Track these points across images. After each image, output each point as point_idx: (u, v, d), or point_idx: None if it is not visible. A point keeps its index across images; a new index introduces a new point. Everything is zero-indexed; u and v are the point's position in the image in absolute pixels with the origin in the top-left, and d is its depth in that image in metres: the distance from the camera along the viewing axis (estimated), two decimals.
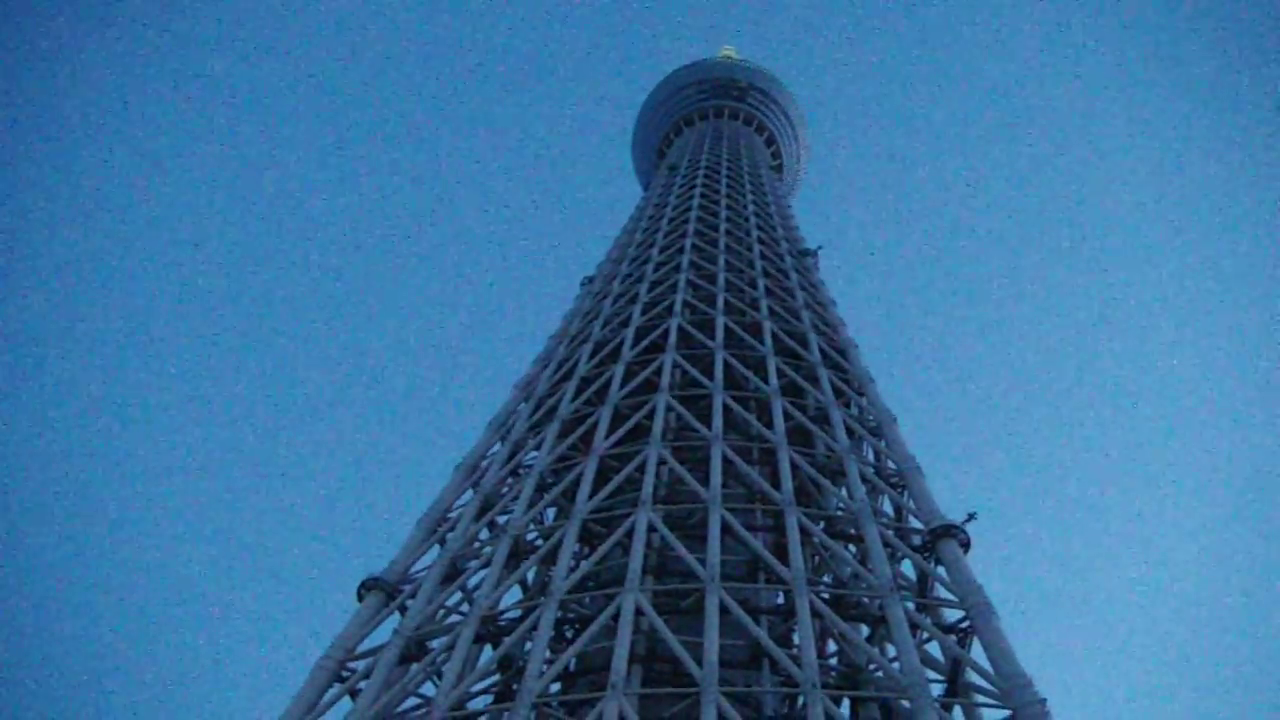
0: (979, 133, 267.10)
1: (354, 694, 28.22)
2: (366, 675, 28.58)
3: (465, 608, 31.10)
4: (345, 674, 29.40)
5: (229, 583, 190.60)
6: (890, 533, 31.59)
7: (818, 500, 34.82)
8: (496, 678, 29.72)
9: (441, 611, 31.22)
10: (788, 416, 37.13)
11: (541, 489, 35.51)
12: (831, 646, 32.25)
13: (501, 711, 25.81)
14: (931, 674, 26.97)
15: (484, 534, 34.62)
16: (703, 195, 63.26)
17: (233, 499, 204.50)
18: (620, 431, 36.25)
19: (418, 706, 28.04)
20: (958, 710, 26.37)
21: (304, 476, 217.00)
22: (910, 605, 28.40)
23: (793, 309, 46.67)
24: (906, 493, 33.94)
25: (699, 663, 24.74)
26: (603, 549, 30.66)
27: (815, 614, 27.50)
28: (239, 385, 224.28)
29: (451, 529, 34.89)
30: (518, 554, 32.65)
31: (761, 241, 55.87)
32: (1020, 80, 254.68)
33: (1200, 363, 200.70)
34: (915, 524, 32.38)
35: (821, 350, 42.77)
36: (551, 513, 35.97)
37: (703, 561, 28.62)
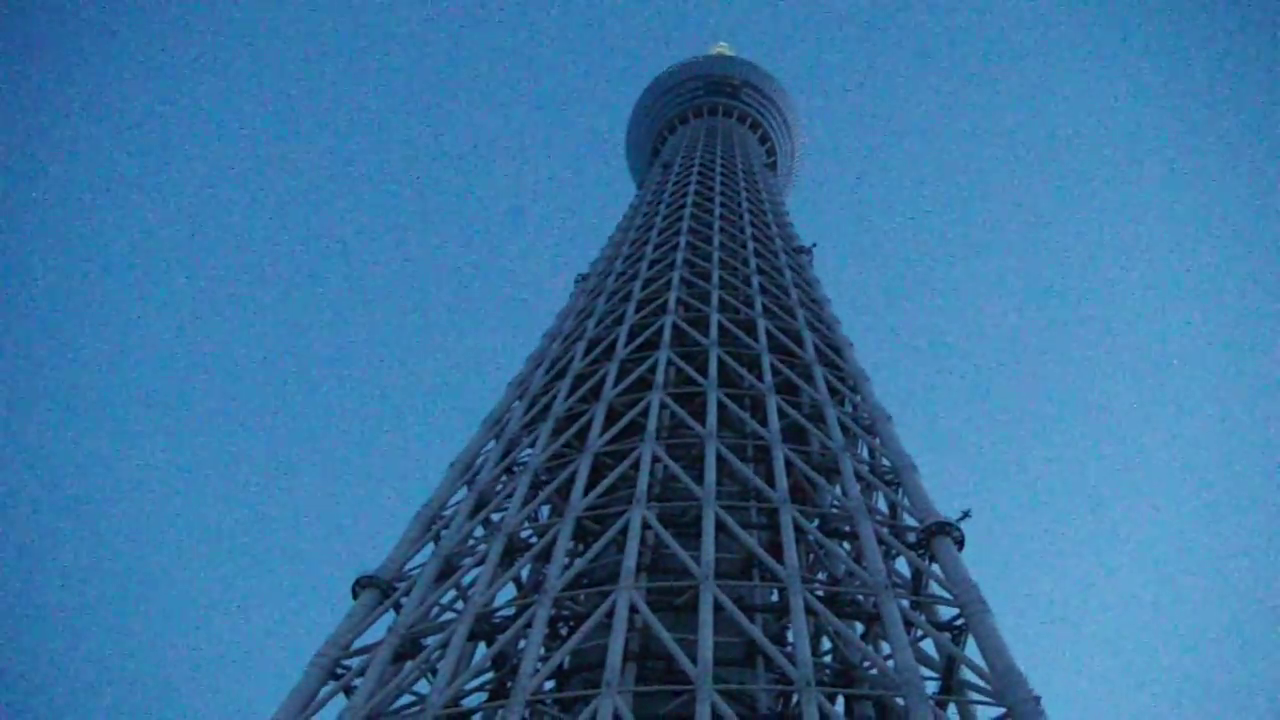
0: (975, 130, 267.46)
1: (349, 691, 28.21)
2: (361, 672, 28.55)
3: (460, 605, 31.10)
4: (340, 671, 29.40)
5: (225, 580, 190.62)
6: (885, 530, 31.60)
7: (812, 498, 34.86)
8: (491, 675, 29.73)
9: (436, 609, 31.21)
10: (782, 414, 37.12)
11: (536, 487, 35.50)
12: (826, 644, 32.29)
13: (496, 709, 25.82)
14: (926, 671, 26.97)
15: (478, 532, 34.59)
16: (697, 193, 63.21)
17: (229, 497, 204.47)
18: (615, 429, 36.24)
19: (412, 704, 28.04)
20: (952, 707, 26.39)
21: (299, 474, 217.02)
22: (905, 603, 28.40)
23: (787, 306, 46.66)
24: (901, 490, 33.95)
25: (693, 660, 24.74)
26: (597, 546, 30.65)
27: (810, 611, 27.53)
28: (235, 384, 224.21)
29: (446, 527, 34.87)
30: (512, 551, 32.64)
31: (756, 239, 55.83)
32: (1017, 77, 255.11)
33: (1197, 362, 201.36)
34: (910, 521, 32.39)
35: (816, 348, 42.76)
36: (546, 510, 35.99)
37: (697, 559, 28.61)
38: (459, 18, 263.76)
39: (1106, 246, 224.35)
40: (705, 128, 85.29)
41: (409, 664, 29.10)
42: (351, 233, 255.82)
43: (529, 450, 38.34)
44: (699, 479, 32.53)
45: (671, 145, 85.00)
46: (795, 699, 26.07)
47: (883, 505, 34.86)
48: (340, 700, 28.07)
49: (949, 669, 27.48)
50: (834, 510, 33.82)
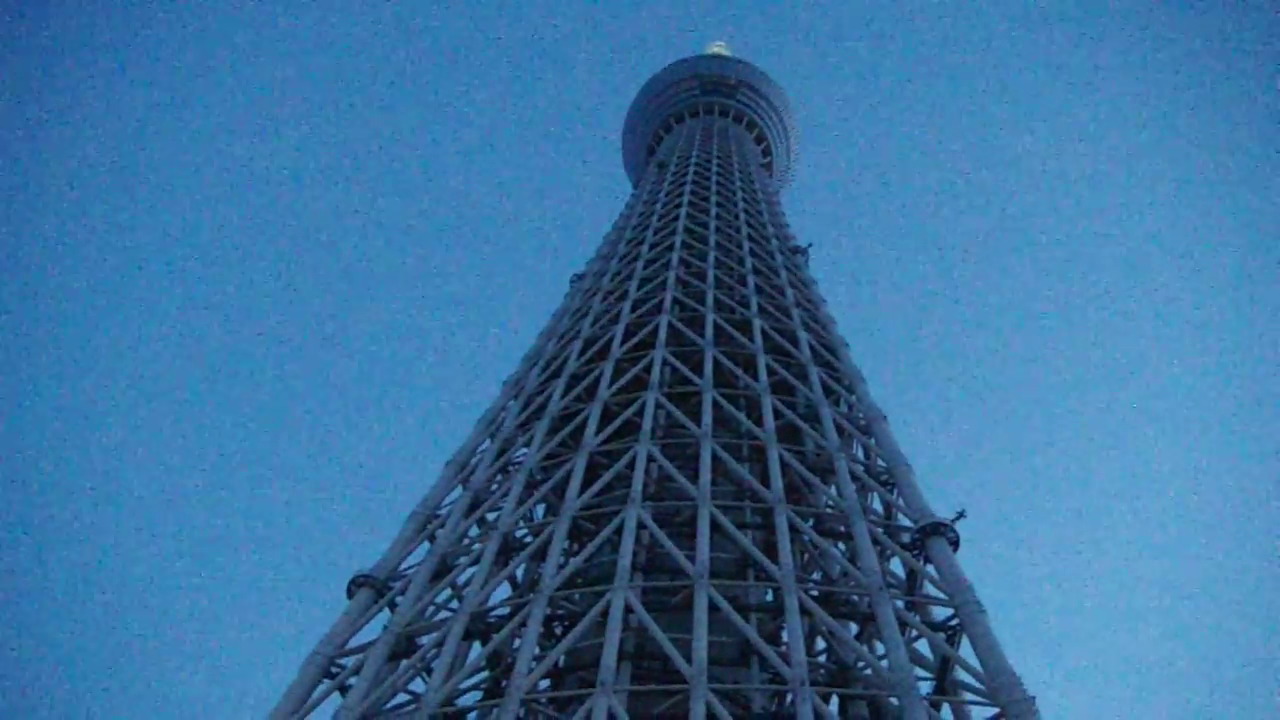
0: (972, 129, 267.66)
1: (344, 690, 28.20)
2: (356, 671, 28.56)
3: (455, 604, 31.12)
4: (335, 670, 29.41)
5: (220, 579, 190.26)
6: (880, 530, 31.68)
7: (807, 498, 34.89)
8: (486, 674, 29.76)
9: (431, 608, 31.23)
10: (777, 414, 37.16)
11: (531, 486, 35.50)
12: (820, 644, 32.36)
13: (491, 708, 25.85)
14: (920, 671, 27.02)
15: (474, 531, 34.64)
16: (693, 193, 63.23)
17: (224, 496, 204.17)
18: (610, 429, 36.29)
19: (407, 703, 28.07)
20: (946, 708, 26.45)
21: (295, 474, 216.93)
22: (899, 603, 28.48)
23: (783, 306, 46.70)
24: (896, 490, 34.01)
25: (688, 660, 24.79)
26: (592, 546, 30.70)
27: (804, 611, 27.59)
28: (230, 383, 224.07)
29: (441, 526, 34.87)
30: (507, 551, 32.68)
31: (751, 239, 55.86)
32: (1014, 76, 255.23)
33: (1194, 361, 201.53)
34: (905, 522, 32.44)
35: (811, 348, 42.79)
36: (541, 510, 35.98)
37: (692, 559, 28.66)
38: (455, 17, 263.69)
39: (1104, 246, 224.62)
40: (701, 127, 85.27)
41: (404, 663, 29.16)
42: (347, 232, 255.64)
43: (524, 450, 38.36)
44: (694, 479, 32.56)
45: (667, 145, 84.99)
46: (790, 698, 26.05)
47: (878, 505, 34.89)
48: (335, 699, 28.07)
49: (943, 669, 27.56)
50: (829, 510, 33.86)
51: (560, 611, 30.99)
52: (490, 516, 34.92)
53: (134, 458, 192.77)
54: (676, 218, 57.72)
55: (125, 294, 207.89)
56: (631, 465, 33.50)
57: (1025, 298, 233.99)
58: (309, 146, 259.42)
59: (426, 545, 34.32)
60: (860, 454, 37.72)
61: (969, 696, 26.26)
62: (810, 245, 58.53)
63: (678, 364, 39.79)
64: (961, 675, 26.75)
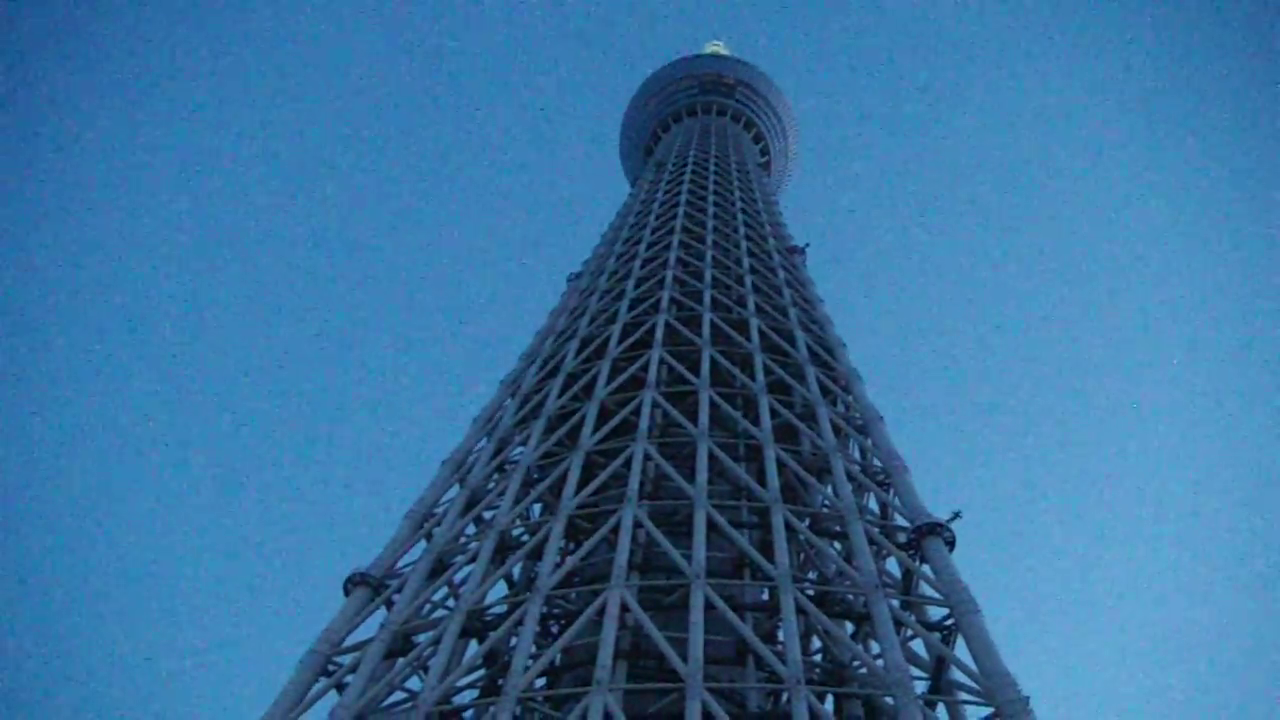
0: (970, 129, 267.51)
1: (340, 688, 28.25)
2: (353, 669, 28.60)
3: (451, 603, 31.16)
4: (331, 668, 29.44)
5: (217, 578, 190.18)
6: (875, 530, 31.74)
7: (804, 497, 34.90)
8: (482, 672, 29.84)
9: (427, 606, 31.26)
10: (774, 414, 37.22)
11: (528, 485, 35.54)
12: (816, 643, 32.41)
13: (487, 706, 25.89)
14: (915, 671, 27.11)
15: (470, 529, 34.64)
16: (690, 192, 63.26)
17: (220, 494, 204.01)
18: (606, 428, 36.31)
19: (404, 701, 28.09)
20: (941, 707, 26.51)
21: (292, 472, 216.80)
22: (895, 603, 28.54)
23: (780, 306, 46.75)
24: (892, 490, 34.07)
25: (684, 659, 24.82)
26: (588, 545, 30.73)
27: (800, 611, 27.63)
28: (227, 382, 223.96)
29: (438, 524, 34.91)
30: (504, 549, 32.71)
31: (749, 238, 55.89)
32: (1013, 76, 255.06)
33: (1191, 359, 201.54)
34: (900, 522, 32.51)
35: (808, 347, 42.84)
36: (538, 508, 36.02)
37: (688, 558, 28.70)
38: (453, 15, 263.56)
39: (1103, 244, 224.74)
40: (699, 126, 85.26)
41: (400, 661, 29.17)
42: (344, 231, 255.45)
43: (521, 448, 38.37)
44: (691, 478, 32.60)
45: (665, 144, 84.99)
46: (785, 697, 26.13)
47: (874, 505, 34.97)
48: (332, 697, 28.12)
49: (938, 669, 27.63)
50: (825, 510, 33.92)
51: (556, 610, 31.03)
52: (487, 515, 34.94)
53: (132, 457, 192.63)
54: (674, 217, 57.74)
55: (124, 292, 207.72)
56: (628, 464, 33.54)
57: (1023, 298, 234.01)
58: (306, 146, 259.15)
59: (423, 543, 34.32)
60: (857, 454, 37.79)
61: (964, 696, 26.32)
62: (808, 245, 58.60)
63: (675, 363, 39.83)
64: (957, 675, 26.80)
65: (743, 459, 35.74)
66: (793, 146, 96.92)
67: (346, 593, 32.37)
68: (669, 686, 24.92)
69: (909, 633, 28.44)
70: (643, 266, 50.54)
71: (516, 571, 33.85)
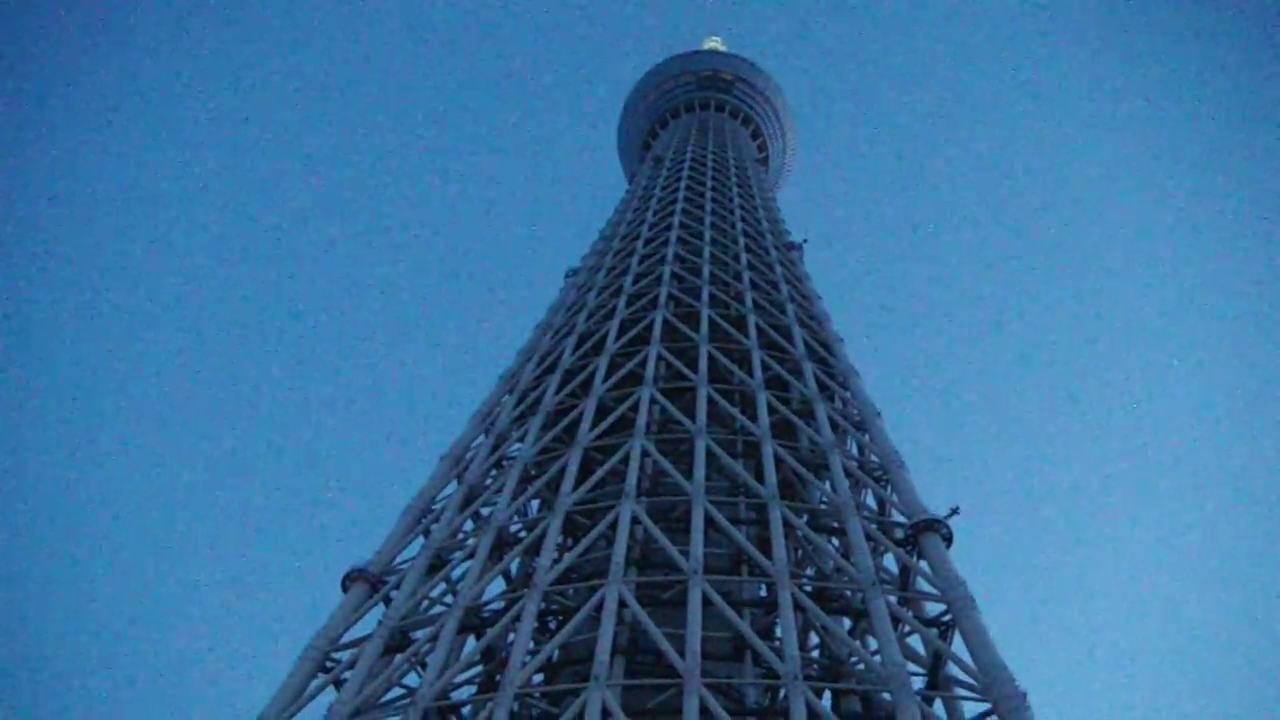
0: (968, 126, 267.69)
1: (338, 684, 28.23)
2: (351, 665, 28.58)
3: (449, 599, 31.14)
4: (330, 664, 29.44)
5: (215, 574, 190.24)
6: (873, 526, 31.72)
7: (801, 494, 34.92)
8: (480, 668, 29.81)
9: (425, 602, 31.26)
10: (772, 410, 37.21)
11: (525, 481, 35.52)
12: (814, 639, 32.43)
13: (484, 702, 25.86)
14: (913, 667, 27.09)
15: (468, 525, 34.62)
16: (688, 188, 63.23)
17: (219, 491, 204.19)
18: (604, 424, 36.31)
19: (401, 696, 28.10)
20: (939, 703, 26.52)
21: (290, 468, 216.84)
22: (892, 599, 28.54)
23: (778, 302, 46.73)
24: (890, 486, 34.07)
25: (681, 654, 24.82)
26: (586, 541, 30.72)
27: (798, 607, 27.66)
28: (226, 379, 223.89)
29: (436, 520, 34.90)
30: (501, 545, 32.69)
31: (747, 234, 55.86)
32: (1013, 74, 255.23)
33: (1189, 356, 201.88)
34: (898, 518, 32.50)
35: (806, 344, 42.84)
36: (535, 505, 36.03)
37: (686, 554, 28.69)
38: (450, 12, 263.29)
39: (1102, 242, 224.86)
40: (697, 122, 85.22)
41: (398, 657, 29.16)
42: (341, 226, 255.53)
43: (519, 444, 38.34)
44: (688, 474, 32.60)
45: (663, 140, 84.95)
46: (783, 693, 26.13)
47: (871, 501, 34.99)
48: (330, 693, 28.12)
49: (936, 665, 27.64)
50: (823, 506, 33.93)
51: (554, 606, 31.01)
52: (485, 511, 34.93)
53: (129, 454, 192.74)
54: (672, 213, 57.72)
55: (125, 290, 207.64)
56: (626, 460, 33.53)
57: (1022, 295, 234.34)
58: (304, 142, 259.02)
59: (421, 540, 34.32)
60: (854, 450, 37.78)
61: (961, 692, 26.35)
62: (805, 241, 58.58)
63: (673, 359, 39.81)
64: (954, 671, 26.82)
65: (741, 455, 35.73)
66: (790, 142, 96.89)
67: (344, 589, 32.34)
68: (667, 682, 24.93)
69: (906, 629, 28.46)
70: (641, 263, 50.52)
71: (514, 567, 33.83)
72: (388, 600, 31.38)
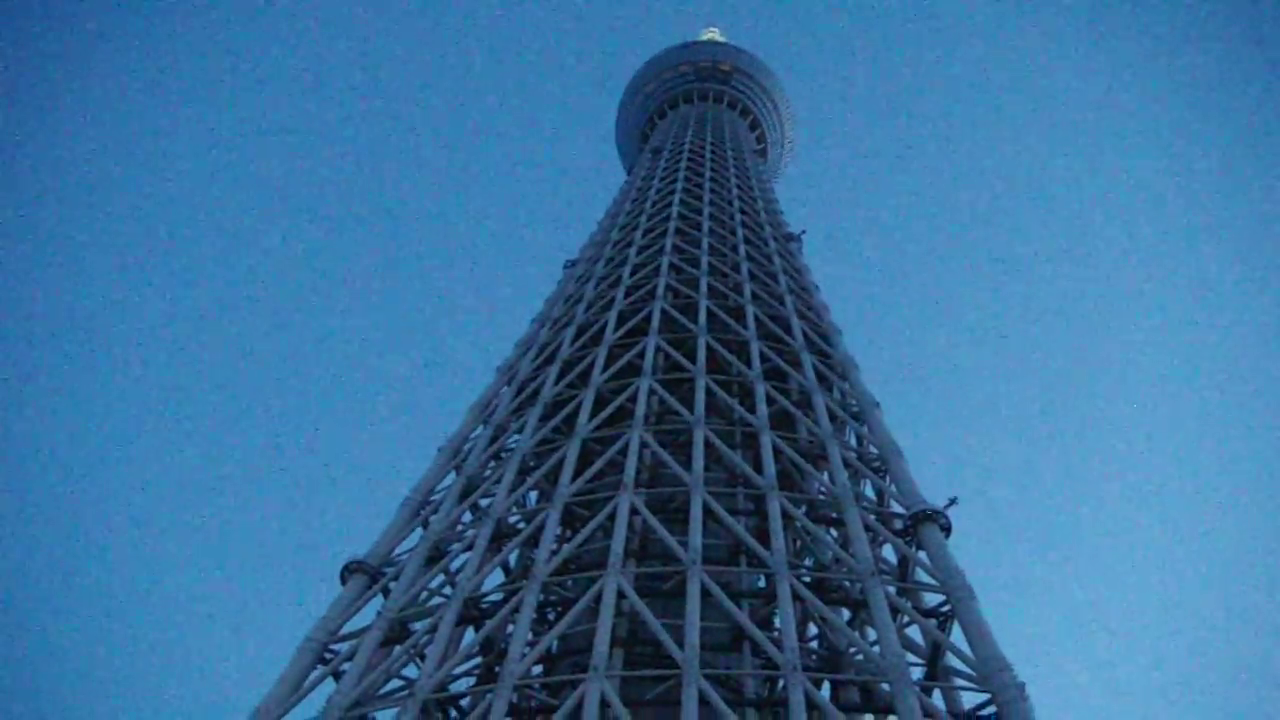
0: (968, 118, 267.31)
1: (337, 675, 28.24)
2: (349, 657, 28.59)
3: (448, 590, 31.13)
4: (328, 656, 29.42)
5: (214, 566, 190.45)
6: (871, 517, 31.69)
7: (800, 484, 34.93)
8: (478, 660, 29.80)
9: (424, 594, 31.25)
10: (770, 401, 37.19)
11: (524, 472, 35.51)
12: (812, 630, 32.41)
13: (484, 693, 25.87)
14: (911, 657, 27.11)
15: (466, 517, 34.62)
16: (686, 179, 63.15)
17: (219, 484, 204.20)
18: (603, 415, 36.28)
19: (400, 688, 28.08)
20: (937, 694, 26.51)
21: (289, 460, 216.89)
22: (891, 589, 28.51)
23: (776, 293, 46.69)
24: (888, 477, 34.06)
25: (680, 645, 24.83)
26: (585, 532, 30.70)
27: (796, 597, 27.66)
28: (224, 371, 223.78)
29: (434, 512, 34.89)
30: (500, 537, 32.69)
31: (745, 226, 55.83)
32: (1012, 67, 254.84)
33: (1188, 348, 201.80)
34: (897, 508, 32.49)
35: (804, 335, 42.81)
36: (534, 496, 35.99)
37: (684, 545, 28.69)
38: (448, 4, 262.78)
39: (1101, 235, 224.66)
40: (695, 114, 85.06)
41: (397, 648, 29.16)
42: (340, 219, 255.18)
43: (517, 436, 38.35)
44: (687, 465, 32.59)
45: (661, 131, 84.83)
46: (781, 684, 26.15)
47: (870, 492, 34.97)
48: (329, 684, 28.11)
49: (934, 655, 27.63)
50: (821, 497, 33.88)
51: (553, 597, 31.04)
52: (483, 503, 34.90)
53: (129, 446, 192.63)
54: (670, 204, 57.65)
55: (124, 282, 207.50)
56: (624, 451, 33.52)
57: (1022, 286, 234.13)
58: (301, 135, 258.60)
59: (420, 531, 34.31)
60: (853, 441, 37.76)
61: (960, 683, 26.34)
62: (804, 232, 58.53)
63: (671, 350, 39.81)
64: (953, 661, 26.81)
65: (739, 446, 35.69)
66: (789, 133, 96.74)
67: (343, 580, 32.33)
68: (666, 673, 24.94)
69: (905, 619, 28.44)
70: (639, 254, 50.46)
71: (513, 559, 33.85)
72: (386, 592, 31.37)
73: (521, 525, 33.35)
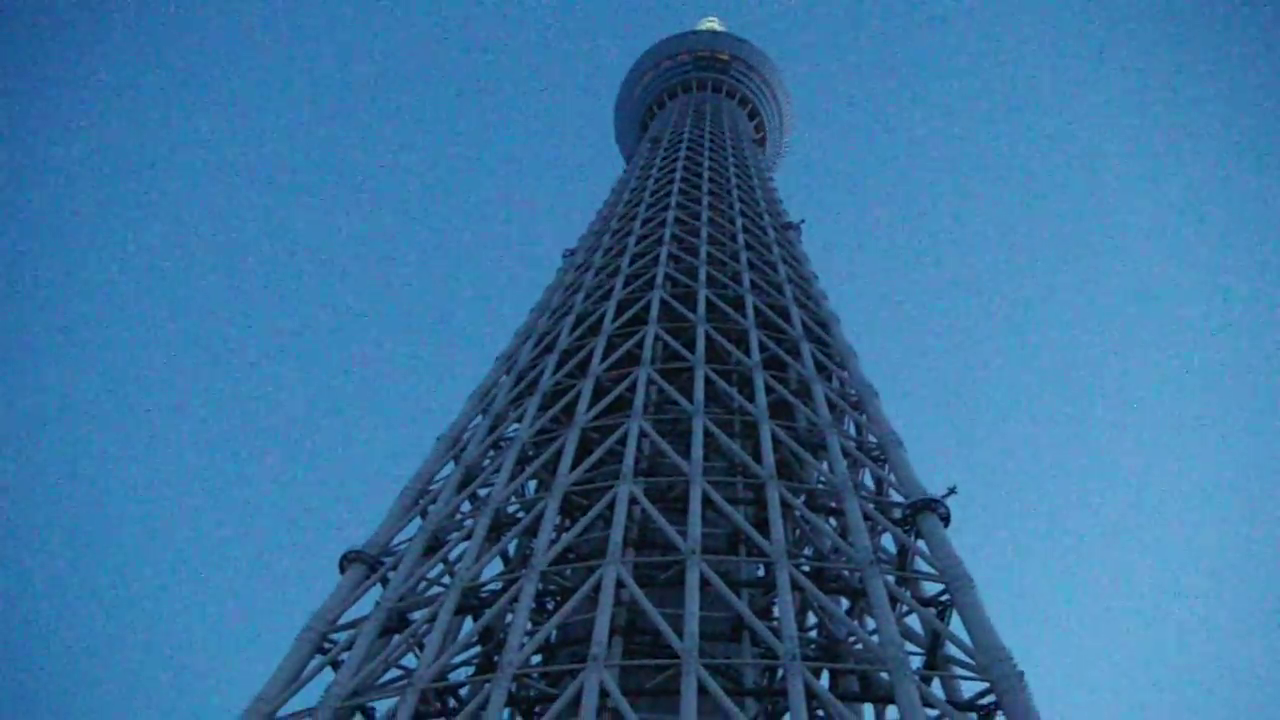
0: (967, 109, 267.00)
1: (336, 665, 28.24)
2: (348, 647, 28.58)
3: (446, 580, 31.10)
4: (327, 645, 29.41)
5: (214, 556, 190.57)
6: (871, 506, 31.65)
7: (799, 473, 34.86)
8: (477, 649, 29.80)
9: (423, 584, 31.23)
10: (769, 390, 37.13)
11: (523, 461, 35.47)
12: (812, 619, 32.43)
13: (482, 683, 25.86)
14: (911, 646, 27.08)
15: (465, 506, 34.60)
16: (685, 168, 63.02)
17: (217, 473, 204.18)
18: (602, 404, 36.23)
19: (399, 677, 28.08)
20: (937, 682, 26.51)
21: (288, 451, 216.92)
22: (890, 578, 28.50)
23: (775, 282, 46.60)
24: (887, 466, 33.98)
25: (679, 635, 24.81)
26: (584, 521, 30.67)
27: (796, 587, 27.63)
28: (223, 363, 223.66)
29: (433, 501, 34.84)
30: (499, 526, 32.68)
31: (744, 215, 55.71)
32: (1014, 58, 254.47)
33: (1187, 342, 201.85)
34: (896, 497, 32.46)
35: (803, 324, 42.74)
36: (533, 485, 35.96)
37: (684, 534, 28.66)
38: None
39: (1101, 229, 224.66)
40: (694, 103, 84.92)
41: (396, 638, 29.16)
42: (338, 209, 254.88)
43: (516, 425, 38.29)
44: (686, 454, 32.55)
45: (660, 120, 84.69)
46: (781, 673, 26.16)
47: (869, 481, 34.94)
48: (328, 674, 28.10)
49: (934, 644, 27.61)
50: (820, 486, 33.85)
51: (552, 587, 31.01)
52: (482, 492, 34.89)
53: (129, 440, 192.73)
54: (669, 193, 57.55)
55: (122, 274, 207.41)
56: (623, 441, 33.48)
57: (1019, 276, 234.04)
58: (299, 127, 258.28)
59: (418, 521, 34.29)
60: (852, 430, 37.72)
61: (959, 671, 26.34)
62: (803, 221, 58.40)
63: (670, 340, 39.73)
64: (952, 650, 26.80)
65: (738, 435, 35.65)
66: (787, 123, 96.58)
67: (342, 570, 32.32)
68: (665, 662, 24.92)
69: (904, 608, 28.44)
70: (638, 243, 50.37)
71: (512, 548, 33.82)
72: (385, 581, 31.34)
73: (520, 514, 33.34)
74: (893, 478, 33.29)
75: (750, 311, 42.42)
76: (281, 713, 26.95)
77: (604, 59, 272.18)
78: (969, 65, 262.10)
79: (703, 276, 45.09)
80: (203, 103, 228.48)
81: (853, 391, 39.16)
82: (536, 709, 27.99)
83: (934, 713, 24.16)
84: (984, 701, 24.95)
